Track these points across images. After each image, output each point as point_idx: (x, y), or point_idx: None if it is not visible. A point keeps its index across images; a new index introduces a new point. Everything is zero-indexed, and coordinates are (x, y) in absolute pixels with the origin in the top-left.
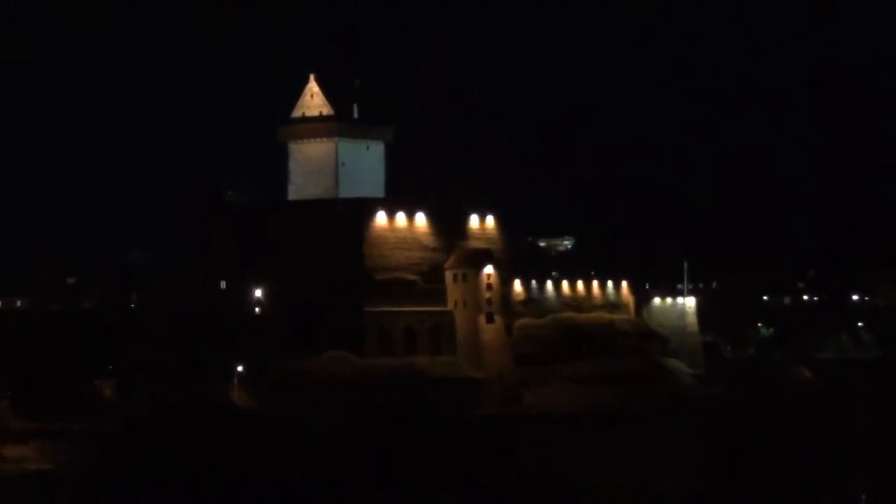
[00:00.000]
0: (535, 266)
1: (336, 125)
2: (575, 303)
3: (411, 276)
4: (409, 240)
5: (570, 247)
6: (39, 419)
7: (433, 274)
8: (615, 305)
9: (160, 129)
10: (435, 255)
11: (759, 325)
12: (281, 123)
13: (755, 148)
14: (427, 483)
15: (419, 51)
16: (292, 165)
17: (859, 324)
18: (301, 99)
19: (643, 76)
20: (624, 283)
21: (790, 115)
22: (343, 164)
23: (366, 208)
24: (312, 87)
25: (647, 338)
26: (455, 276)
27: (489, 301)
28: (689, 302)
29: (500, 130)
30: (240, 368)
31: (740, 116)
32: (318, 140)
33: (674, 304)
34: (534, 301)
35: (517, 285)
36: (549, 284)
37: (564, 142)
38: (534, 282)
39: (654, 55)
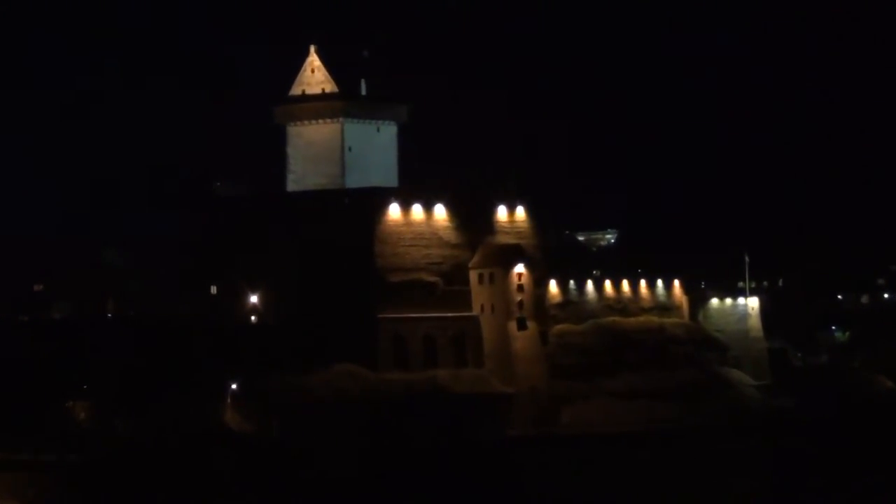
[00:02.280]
0: (574, 264)
1: (341, 104)
2: (620, 305)
3: (430, 278)
4: (427, 235)
5: (613, 241)
6: (3, 448)
7: (455, 274)
8: (666, 308)
9: (131, 105)
10: (457, 253)
11: (834, 328)
12: (277, 103)
13: (827, 126)
14: None
15: (437, 16)
16: (291, 151)
17: None
18: (300, 74)
19: (702, 45)
20: (676, 283)
21: (866, 93)
22: (350, 148)
23: (377, 200)
24: (313, 60)
25: (704, 345)
26: (481, 277)
27: (521, 305)
28: (752, 302)
29: (531, 107)
30: (234, 386)
31: (812, 89)
32: (320, 122)
33: (734, 306)
34: (572, 304)
35: (553, 286)
36: (590, 285)
37: (606, 120)
38: (572, 282)
39: (718, 25)
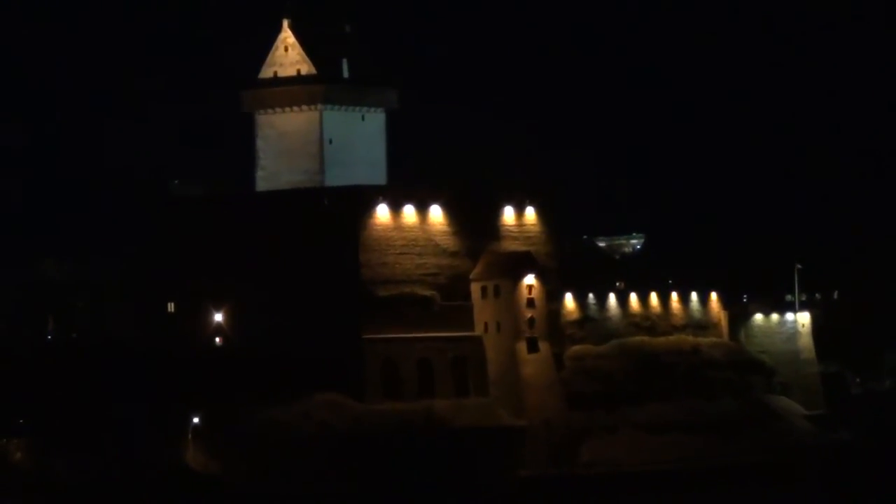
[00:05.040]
0: (594, 274)
1: (320, 88)
2: (647, 323)
3: (425, 291)
4: (421, 242)
5: (639, 247)
6: None
7: (455, 287)
8: (702, 326)
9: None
10: (457, 262)
11: None
12: (245, 87)
13: (888, 119)
14: None
15: None
16: (261, 144)
17: None
18: (272, 54)
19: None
20: (713, 296)
21: None
22: (331, 140)
23: (362, 200)
24: (286, 36)
25: (746, 369)
26: (484, 290)
27: (531, 323)
28: (803, 318)
29: (543, 92)
30: (196, 419)
31: (869, 77)
32: (295, 109)
33: (781, 323)
34: (592, 322)
35: (569, 301)
36: (613, 299)
37: (629, 108)
38: (591, 296)
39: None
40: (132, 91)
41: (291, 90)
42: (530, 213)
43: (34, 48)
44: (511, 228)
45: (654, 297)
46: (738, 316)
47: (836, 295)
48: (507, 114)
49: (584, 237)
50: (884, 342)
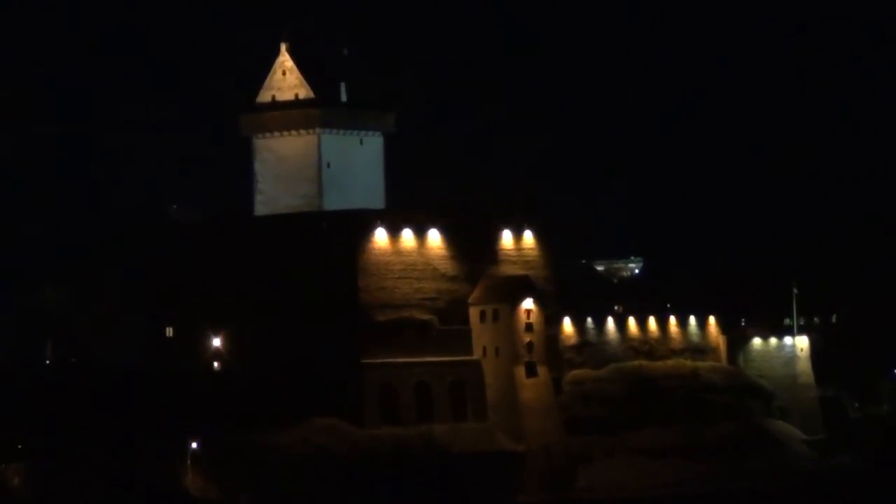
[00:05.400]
0: (592, 298)
1: (318, 112)
2: (646, 347)
3: (424, 316)
4: (419, 266)
5: (638, 271)
6: None
7: (453, 312)
8: (700, 350)
9: (73, 119)
10: (455, 287)
11: None
12: (243, 110)
13: (885, 142)
14: None
15: (428, 9)
16: (259, 168)
17: None
18: (270, 77)
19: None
20: (711, 320)
21: None
22: (328, 164)
23: (360, 224)
24: (284, 60)
25: (745, 393)
26: (483, 315)
27: (530, 347)
28: (801, 342)
29: (541, 115)
30: (195, 444)
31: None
32: (293, 133)
33: (780, 347)
34: (590, 346)
35: (567, 325)
36: (611, 323)
37: (628, 131)
38: (590, 320)
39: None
40: (130, 116)
41: (289, 114)
42: (528, 238)
43: (30, 72)
44: (509, 252)
45: (652, 322)
46: (737, 340)
47: (834, 319)
48: (506, 140)
49: (583, 261)
50: (882, 366)
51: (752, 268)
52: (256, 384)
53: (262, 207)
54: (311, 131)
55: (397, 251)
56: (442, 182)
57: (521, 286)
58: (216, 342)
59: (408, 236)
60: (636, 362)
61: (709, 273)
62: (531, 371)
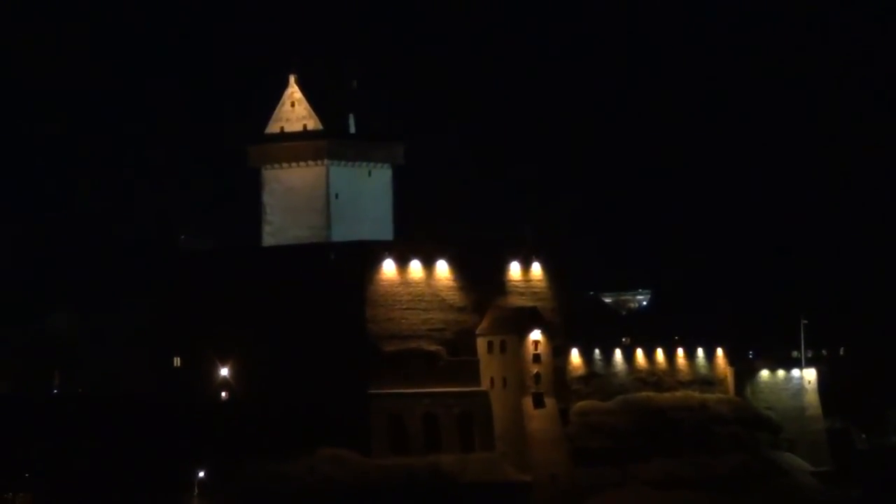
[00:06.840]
0: (600, 330)
1: (326, 143)
2: (653, 379)
3: (431, 347)
4: (427, 297)
5: (645, 303)
6: None
7: (461, 343)
8: (708, 382)
9: (82, 150)
10: (463, 318)
11: None
12: (252, 142)
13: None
14: None
15: (436, 43)
16: (268, 199)
17: None
18: (278, 109)
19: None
20: (719, 352)
21: None
22: (336, 195)
23: (368, 255)
24: (293, 91)
25: (753, 425)
26: (491, 346)
27: (537, 378)
28: (809, 375)
29: (549, 148)
30: (202, 474)
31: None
32: (302, 164)
33: (787, 379)
34: (598, 377)
35: (575, 356)
36: (619, 354)
37: (635, 163)
38: (597, 351)
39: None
40: (140, 146)
41: (298, 145)
42: (536, 269)
43: (36, 98)
44: (517, 284)
45: (660, 353)
46: (745, 372)
47: (842, 351)
48: (513, 171)
49: (591, 293)
50: (890, 398)
51: (760, 300)
52: (264, 414)
53: (269, 238)
54: (319, 163)
55: (405, 282)
56: (450, 214)
57: (529, 317)
58: (224, 372)
59: (416, 267)
60: (644, 394)
61: (717, 305)
62: (539, 402)
